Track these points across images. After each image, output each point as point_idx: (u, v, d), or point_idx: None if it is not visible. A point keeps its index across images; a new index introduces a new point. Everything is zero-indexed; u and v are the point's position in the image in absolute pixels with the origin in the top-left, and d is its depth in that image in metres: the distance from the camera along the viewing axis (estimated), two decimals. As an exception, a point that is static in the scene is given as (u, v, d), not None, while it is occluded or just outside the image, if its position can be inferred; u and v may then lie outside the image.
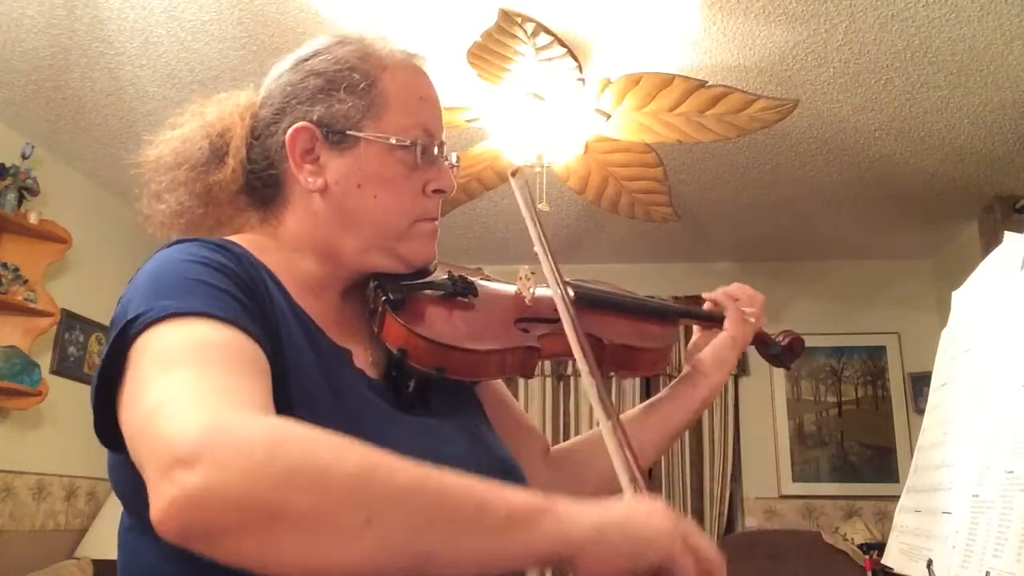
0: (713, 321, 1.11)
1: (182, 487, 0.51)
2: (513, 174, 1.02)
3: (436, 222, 0.91)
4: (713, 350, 1.08)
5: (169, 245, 0.76)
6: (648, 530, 0.61)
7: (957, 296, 1.27)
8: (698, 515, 4.15)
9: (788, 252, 4.42)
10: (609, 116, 2.60)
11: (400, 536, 0.54)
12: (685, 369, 1.10)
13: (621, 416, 1.09)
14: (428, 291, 0.88)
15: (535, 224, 0.95)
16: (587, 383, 0.83)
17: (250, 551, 0.52)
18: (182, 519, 0.52)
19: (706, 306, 1.13)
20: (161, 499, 0.52)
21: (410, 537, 0.54)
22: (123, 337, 0.65)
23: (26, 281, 3.13)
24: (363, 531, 0.53)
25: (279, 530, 0.51)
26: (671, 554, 0.61)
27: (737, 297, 1.11)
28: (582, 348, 0.85)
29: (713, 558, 0.63)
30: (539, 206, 2.65)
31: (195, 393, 0.58)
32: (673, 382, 1.10)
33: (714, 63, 2.63)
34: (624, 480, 0.73)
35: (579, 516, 0.59)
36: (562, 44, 2.30)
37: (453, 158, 0.94)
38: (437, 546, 0.55)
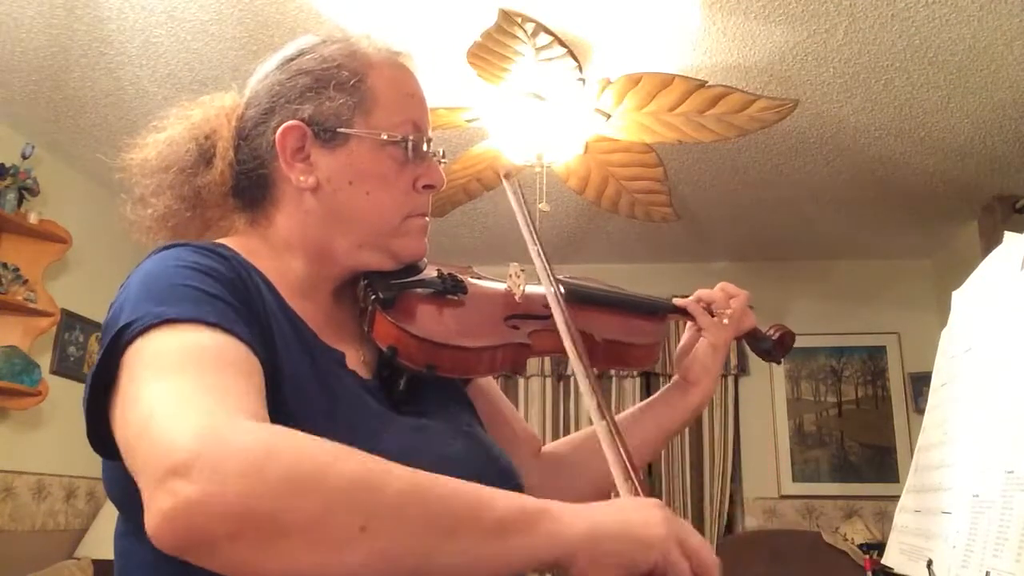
0: (682, 316, 1.11)
1: (177, 497, 0.51)
2: (506, 176, 1.02)
3: (427, 218, 0.91)
4: (699, 356, 1.08)
5: (160, 250, 0.76)
6: (643, 534, 0.61)
7: (957, 296, 1.27)
8: (698, 515, 4.15)
9: (788, 252, 4.42)
10: (609, 116, 2.60)
11: (396, 542, 0.54)
12: (675, 378, 1.10)
13: (616, 416, 1.09)
14: (418, 289, 0.89)
15: (528, 224, 0.95)
16: (580, 380, 0.83)
17: (246, 560, 0.52)
18: (178, 530, 0.51)
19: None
20: (156, 509, 0.52)
21: (406, 543, 0.54)
22: (115, 344, 0.65)
23: (26, 281, 3.13)
24: (359, 538, 0.53)
25: (275, 539, 0.51)
26: (667, 558, 0.61)
27: (710, 300, 1.09)
28: (575, 347, 0.85)
29: (708, 561, 0.63)
30: (539, 206, 2.66)
31: (188, 400, 0.58)
32: (665, 387, 1.10)
33: (714, 63, 2.63)
34: (619, 478, 0.73)
35: (574, 520, 0.60)
36: (562, 44, 2.30)
37: (441, 153, 0.94)
38: (433, 551, 0.55)
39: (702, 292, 1.11)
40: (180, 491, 0.51)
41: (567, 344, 0.86)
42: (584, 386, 0.81)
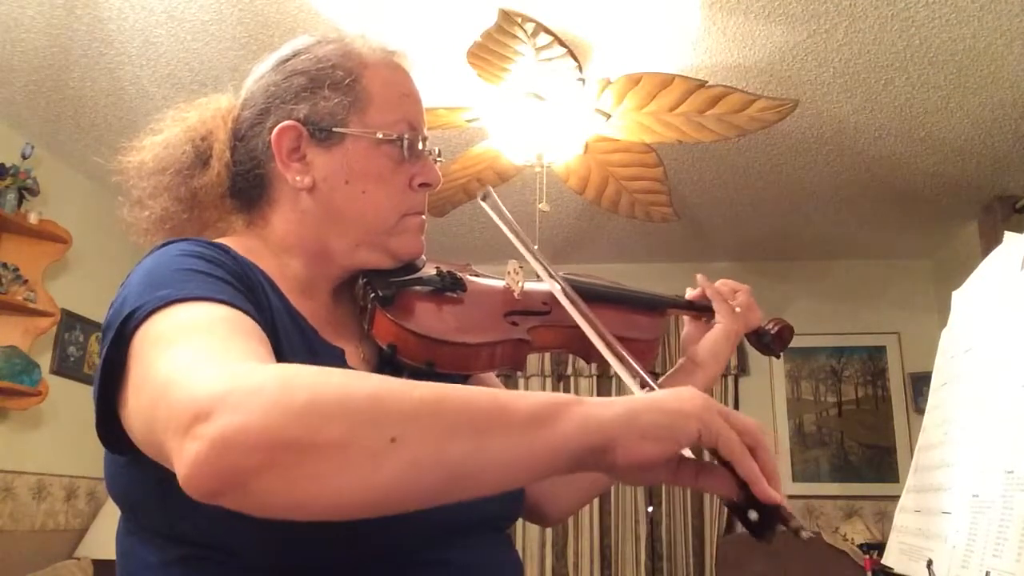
0: (702, 311, 1.12)
1: (204, 439, 0.51)
2: (483, 198, 1.03)
3: (423, 216, 0.91)
4: (708, 342, 1.09)
5: (161, 246, 0.76)
6: (679, 406, 0.59)
7: (957, 296, 1.27)
8: (698, 515, 4.15)
9: (788, 252, 4.42)
10: (609, 116, 2.60)
11: (427, 450, 0.53)
12: (680, 360, 1.11)
13: None
14: (417, 287, 0.89)
15: (516, 235, 0.96)
16: (604, 352, 0.85)
17: (280, 491, 0.51)
18: (210, 470, 0.51)
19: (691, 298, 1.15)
20: (186, 457, 0.51)
21: (437, 450, 0.54)
22: (122, 332, 0.65)
23: (26, 281, 3.13)
24: (390, 450, 0.52)
25: (306, 462, 0.51)
26: (710, 426, 0.59)
27: (723, 291, 1.12)
28: (588, 320, 0.85)
29: (750, 426, 0.61)
30: (539, 206, 2.66)
31: (199, 359, 0.58)
32: (669, 372, 1.11)
33: (714, 63, 2.63)
34: (630, 382, 0.72)
35: (606, 405, 0.58)
36: (562, 44, 2.30)
37: (437, 152, 0.94)
38: (465, 455, 0.54)
39: (714, 284, 1.13)
40: (206, 433, 0.51)
41: (579, 320, 0.86)
42: (608, 354, 0.82)
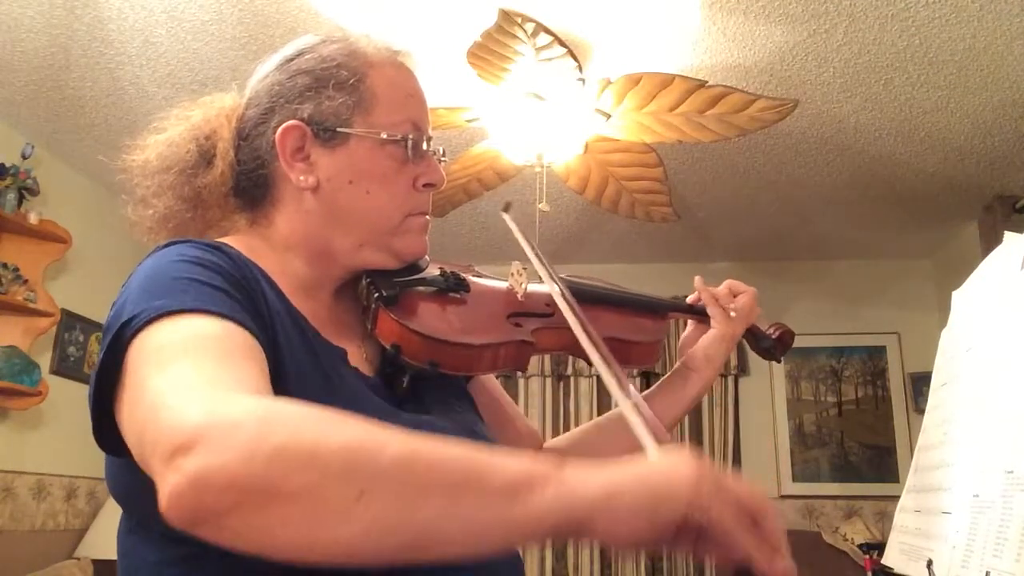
0: (703, 315, 1.12)
1: (183, 473, 0.52)
2: (505, 209, 1.03)
3: (427, 216, 0.91)
4: (703, 346, 1.09)
5: (161, 247, 0.76)
6: (667, 485, 0.55)
7: (957, 296, 1.27)
8: (698, 515, 4.15)
9: (788, 252, 4.42)
10: (609, 116, 2.59)
11: (394, 509, 0.52)
12: (677, 364, 1.11)
13: (613, 411, 1.10)
14: (420, 287, 0.89)
15: (534, 252, 0.95)
16: (597, 364, 0.82)
17: (249, 531, 0.52)
18: (185, 504, 0.52)
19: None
20: (165, 488, 0.53)
21: (404, 510, 0.52)
22: (118, 340, 0.65)
23: (26, 281, 3.13)
24: (356, 505, 0.51)
25: (274, 508, 0.51)
26: (699, 503, 0.54)
27: (719, 295, 1.11)
28: (585, 329, 0.84)
29: (755, 497, 0.56)
30: (539, 206, 2.66)
31: (191, 384, 0.58)
32: (665, 376, 1.11)
33: (714, 63, 2.63)
34: (648, 442, 0.66)
35: (587, 481, 0.55)
36: (562, 44, 2.30)
37: (441, 152, 0.94)
38: (433, 518, 0.53)
39: (712, 288, 1.12)
40: (185, 466, 0.52)
41: (576, 329, 0.85)
42: (601, 368, 0.79)
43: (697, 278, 1.13)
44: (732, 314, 1.09)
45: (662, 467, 0.56)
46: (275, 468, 0.51)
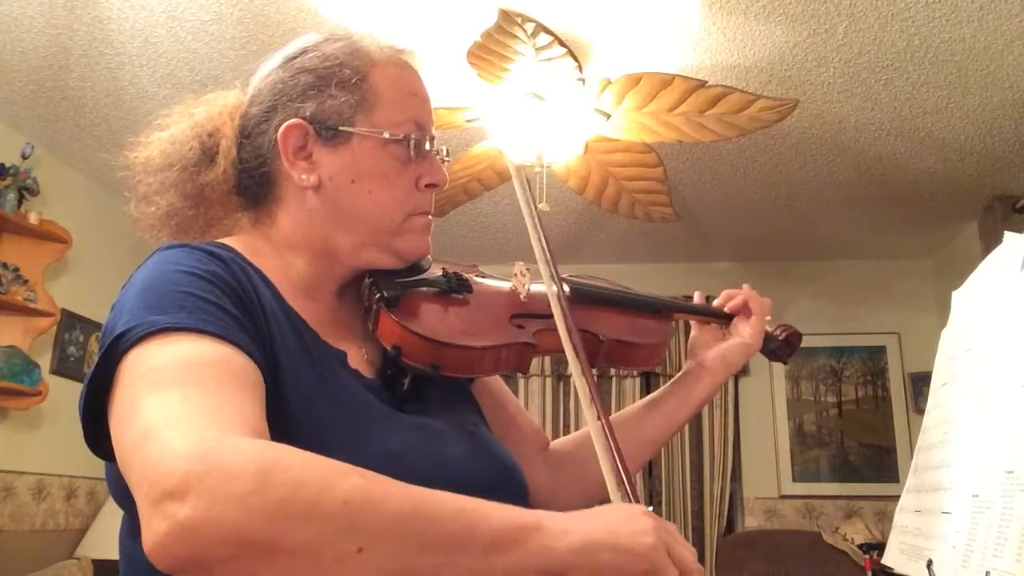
0: (712, 317, 1.11)
1: (174, 521, 0.51)
2: (517, 169, 1.02)
3: (429, 216, 0.91)
4: (723, 351, 1.08)
5: (161, 250, 0.76)
6: (633, 544, 0.61)
7: (957, 296, 1.27)
8: (698, 515, 4.15)
9: (788, 252, 4.42)
10: (609, 116, 2.59)
11: (392, 563, 0.55)
12: (688, 364, 1.10)
13: (622, 412, 1.09)
14: (423, 288, 0.88)
15: (533, 217, 0.95)
16: (578, 383, 0.83)
17: None
18: (175, 553, 0.52)
19: (717, 303, 1.13)
20: (153, 532, 0.52)
21: (402, 564, 0.55)
22: (112, 352, 0.65)
23: (26, 281, 3.13)
24: (356, 560, 0.53)
25: (272, 561, 0.52)
26: (657, 566, 0.61)
27: (746, 300, 1.11)
28: (575, 350, 0.84)
29: (692, 569, 0.64)
30: (539, 206, 2.66)
31: (184, 417, 0.57)
32: (675, 378, 1.10)
33: (714, 63, 2.63)
34: (611, 483, 0.73)
35: (565, 534, 0.60)
36: (562, 44, 2.30)
37: (444, 152, 0.93)
38: (428, 571, 0.56)
39: (746, 295, 1.12)
40: (176, 514, 0.51)
41: (567, 350, 0.85)
42: (582, 392, 0.81)
43: (746, 286, 1.13)
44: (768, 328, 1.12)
45: (628, 528, 0.63)
46: (276, 525, 0.52)
